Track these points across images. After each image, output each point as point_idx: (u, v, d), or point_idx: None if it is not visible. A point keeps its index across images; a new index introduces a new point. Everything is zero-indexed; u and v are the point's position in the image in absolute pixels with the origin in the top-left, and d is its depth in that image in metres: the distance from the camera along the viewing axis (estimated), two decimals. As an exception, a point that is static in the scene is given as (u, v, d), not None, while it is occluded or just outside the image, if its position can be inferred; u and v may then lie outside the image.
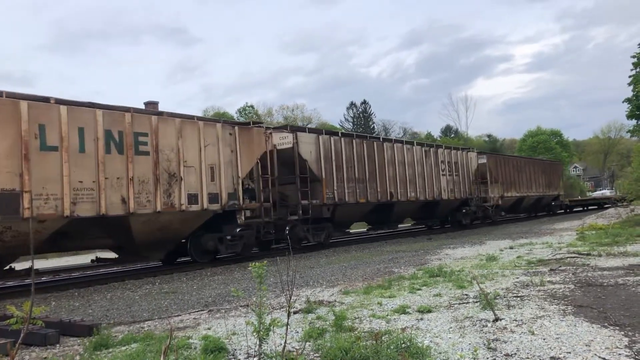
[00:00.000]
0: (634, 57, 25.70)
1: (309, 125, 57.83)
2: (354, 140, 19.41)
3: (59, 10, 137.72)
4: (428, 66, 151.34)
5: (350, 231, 22.37)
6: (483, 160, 27.78)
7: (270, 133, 16.41)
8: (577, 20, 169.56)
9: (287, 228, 16.40)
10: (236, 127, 14.88)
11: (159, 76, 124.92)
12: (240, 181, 14.65)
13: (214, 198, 13.83)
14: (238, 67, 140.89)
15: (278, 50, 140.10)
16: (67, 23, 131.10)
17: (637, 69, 25.68)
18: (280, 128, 18.31)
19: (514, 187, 30.83)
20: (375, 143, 20.38)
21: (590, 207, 44.38)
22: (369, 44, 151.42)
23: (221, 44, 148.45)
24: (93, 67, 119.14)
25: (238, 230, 14.74)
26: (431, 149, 23.56)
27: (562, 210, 39.85)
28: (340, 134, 19.78)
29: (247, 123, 15.80)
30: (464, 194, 25.59)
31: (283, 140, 16.82)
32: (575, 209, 43.00)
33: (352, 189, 18.73)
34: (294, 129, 17.80)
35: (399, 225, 24.84)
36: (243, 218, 14.73)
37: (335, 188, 17.99)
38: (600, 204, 45.62)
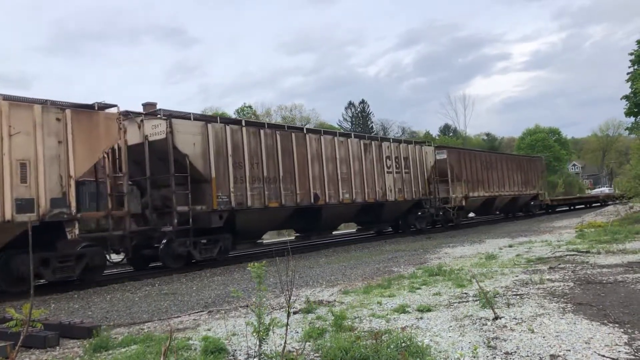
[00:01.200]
0: (631, 54, 25.73)
1: (308, 126, 57.79)
2: (262, 131, 15.70)
3: (57, 11, 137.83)
4: (426, 65, 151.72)
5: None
6: (443, 156, 24.62)
7: (142, 120, 13.61)
8: (575, 19, 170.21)
9: (163, 242, 13.58)
10: (67, 111, 11.16)
11: (157, 76, 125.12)
12: (72, 182, 11.06)
13: (26, 205, 10.32)
14: (236, 67, 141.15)
15: (276, 51, 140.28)
16: (65, 24, 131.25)
17: (635, 66, 25.72)
18: (151, 114, 14.34)
19: (482, 185, 27.17)
20: (294, 134, 16.81)
21: (577, 207, 42.19)
22: (367, 43, 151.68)
23: (219, 45, 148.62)
24: (91, 67, 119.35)
25: (79, 247, 11.71)
26: (373, 143, 20.30)
27: (543, 211, 36.40)
28: (244, 122, 15.97)
29: (91, 106, 11.87)
30: (418, 195, 22.29)
31: (155, 130, 13.55)
32: (559, 209, 40.09)
33: (259, 191, 15.14)
34: (168, 114, 13.86)
35: (334, 232, 21.35)
36: (77, 231, 11.13)
37: (232, 190, 14.30)
38: (589, 203, 43.46)
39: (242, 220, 15.00)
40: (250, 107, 67.98)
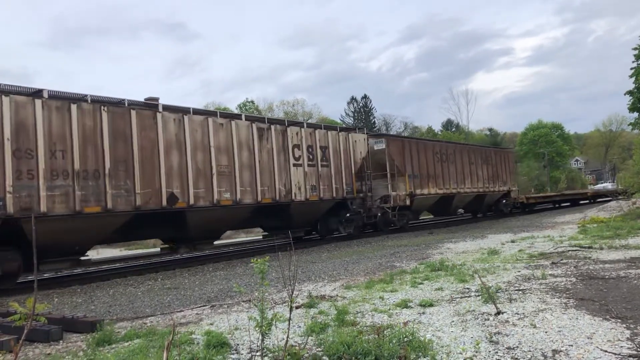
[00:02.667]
0: (635, 49, 25.58)
1: (309, 121, 57.75)
2: (73, 106, 11.46)
3: (57, 6, 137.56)
4: (428, 60, 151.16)
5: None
6: (380, 146, 21.10)
7: None
8: (577, 14, 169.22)
9: None
10: None
11: (158, 72, 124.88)
12: None
13: None
14: (237, 62, 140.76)
15: (277, 45, 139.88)
16: (65, 19, 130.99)
17: (639, 61, 25.59)
18: None
19: (436, 181, 23.54)
20: (134, 113, 12.49)
21: (562, 205, 39.04)
22: (368, 38, 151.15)
23: (220, 39, 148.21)
24: (92, 63, 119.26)
25: None
26: (273, 127, 16.06)
27: (518, 210, 32.76)
28: (45, 94, 11.43)
29: None
30: (341, 193, 18.35)
31: None
32: (537, 208, 36.00)
33: (65, 190, 11.10)
34: None
35: (216, 242, 16.36)
36: None
37: (9, 189, 10.35)
38: (576, 201, 40.69)
39: (39, 233, 10.46)
40: (252, 102, 67.96)
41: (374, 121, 76.45)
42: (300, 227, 18.06)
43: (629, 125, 34.57)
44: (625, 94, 26.46)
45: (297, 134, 17.00)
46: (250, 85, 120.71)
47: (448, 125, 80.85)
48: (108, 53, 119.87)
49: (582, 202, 41.53)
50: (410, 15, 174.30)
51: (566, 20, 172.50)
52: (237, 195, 14.64)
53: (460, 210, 30.02)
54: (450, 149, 25.71)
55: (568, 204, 40.00)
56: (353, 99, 77.70)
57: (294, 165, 16.69)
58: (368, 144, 20.26)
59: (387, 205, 20.68)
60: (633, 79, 25.63)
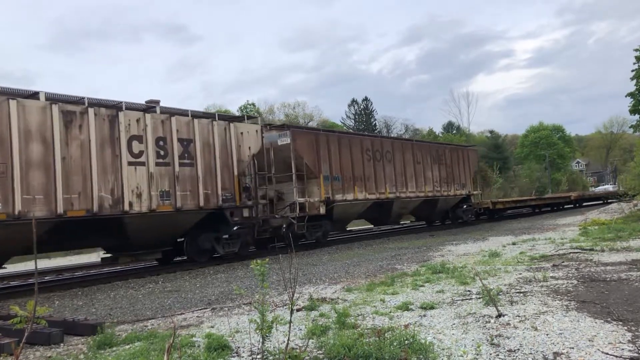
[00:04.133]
0: (636, 50, 25.62)
1: (310, 124, 57.77)
2: None
3: (58, 9, 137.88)
4: (428, 62, 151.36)
5: None
6: (285, 140, 17.03)
7: None
8: (578, 15, 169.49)
9: None
10: None
11: (159, 74, 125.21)
12: None
13: None
14: (238, 64, 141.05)
15: (278, 48, 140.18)
16: (66, 21, 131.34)
17: None
18: None
19: (365, 184, 19.47)
20: None
21: (543, 210, 35.21)
22: (369, 40, 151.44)
23: (221, 42, 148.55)
24: (93, 65, 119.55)
25: None
26: (93, 111, 11.71)
27: (485, 217, 28.80)
28: None
29: None
30: (214, 200, 13.93)
31: None
32: (510, 214, 31.91)
33: None
34: None
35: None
36: None
37: None
38: (557, 205, 36.69)
39: None
40: (253, 104, 68.03)
41: (375, 123, 76.52)
42: (146, 247, 13.10)
43: (630, 127, 34.45)
44: (626, 96, 26.55)
45: (137, 121, 12.53)
46: (251, 88, 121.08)
47: (449, 127, 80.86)
48: (109, 55, 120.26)
49: (566, 206, 37.76)
50: (411, 17, 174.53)
51: (567, 22, 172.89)
52: (15, 206, 10.21)
53: (412, 218, 26.91)
54: (387, 145, 21.28)
55: (548, 209, 36.00)
56: (354, 101, 77.79)
57: (131, 163, 12.29)
58: (263, 138, 15.88)
59: (293, 215, 16.72)
60: (634, 81, 25.65)
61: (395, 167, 21.34)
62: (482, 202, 28.18)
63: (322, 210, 17.63)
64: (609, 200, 42.61)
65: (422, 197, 22.83)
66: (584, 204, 41.18)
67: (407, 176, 22.00)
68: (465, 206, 26.22)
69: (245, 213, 15.11)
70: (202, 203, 13.66)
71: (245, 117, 16.47)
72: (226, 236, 14.50)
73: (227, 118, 15.83)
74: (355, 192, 19.20)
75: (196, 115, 14.43)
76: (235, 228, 14.65)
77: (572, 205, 38.63)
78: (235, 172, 14.72)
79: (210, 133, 14.19)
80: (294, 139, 17.15)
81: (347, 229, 23.65)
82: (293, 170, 17.03)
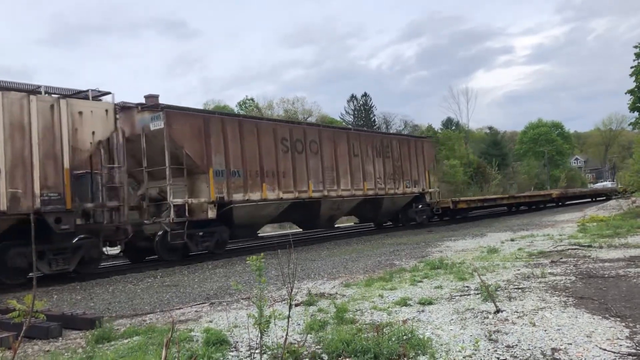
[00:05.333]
0: (636, 47, 25.57)
1: (309, 119, 57.71)
2: None
3: (57, 4, 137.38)
4: (428, 58, 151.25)
5: None
6: (158, 125, 13.47)
7: None
8: (577, 12, 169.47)
9: None
10: None
11: (158, 69, 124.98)
12: None
13: None
14: (237, 60, 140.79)
15: (277, 43, 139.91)
16: (66, 16, 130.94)
17: (639, 60, 25.56)
18: None
19: (279, 181, 16.01)
20: None
21: (521, 210, 32.00)
22: (368, 36, 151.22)
23: (220, 37, 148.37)
24: (92, 60, 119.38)
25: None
26: None
27: (437, 219, 25.57)
28: None
29: None
30: (29, 203, 10.37)
31: None
32: (475, 215, 28.61)
33: None
34: None
35: None
36: None
37: None
38: (535, 204, 33.09)
39: None
40: (252, 99, 67.90)
41: (374, 119, 76.41)
42: None
43: (629, 124, 34.31)
44: (625, 93, 26.53)
45: None
46: (250, 83, 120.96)
47: (448, 123, 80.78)
48: (108, 50, 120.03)
49: (549, 205, 34.49)
50: (411, 13, 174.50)
51: (566, 18, 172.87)
52: None
53: (355, 219, 23.90)
54: (311, 134, 17.67)
55: (525, 208, 32.83)
56: (353, 97, 77.58)
57: None
58: (116, 120, 12.29)
59: (163, 220, 13.34)
60: (633, 78, 25.63)
61: (323, 160, 17.75)
62: (441, 201, 24.68)
63: (212, 214, 13.97)
64: (598, 199, 41.14)
65: (360, 196, 19.30)
66: (568, 202, 37.86)
67: (340, 171, 18.46)
68: (420, 206, 22.85)
69: (83, 219, 11.67)
70: (3, 207, 10.10)
71: (90, 91, 12.13)
72: (51, 252, 10.97)
73: (60, 92, 11.88)
74: (264, 191, 15.51)
75: (2, 87, 10.77)
76: (76, 239, 11.40)
77: (554, 204, 35.25)
78: (67, 165, 11.02)
79: (24, 111, 10.50)
80: (169, 123, 13.45)
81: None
82: (167, 163, 13.33)
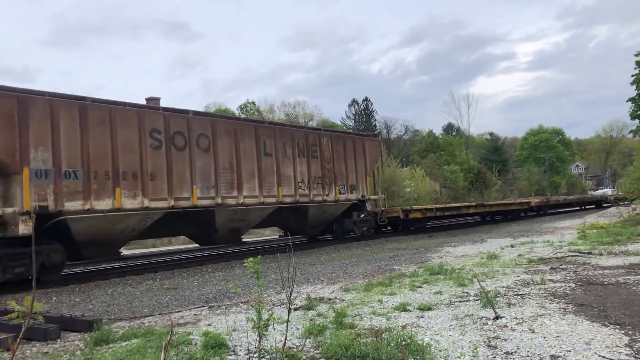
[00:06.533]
0: (637, 55, 25.63)
1: (310, 123, 57.75)
2: None
3: (58, 4, 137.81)
4: (429, 63, 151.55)
5: None
6: None
7: None
8: (579, 19, 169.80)
9: None
10: None
11: (159, 71, 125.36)
12: None
13: None
14: (238, 62, 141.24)
15: (278, 46, 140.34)
16: (66, 17, 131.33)
17: (640, 68, 25.61)
18: None
19: (143, 185, 12.60)
20: None
21: (495, 219, 29.09)
22: (369, 40, 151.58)
23: (221, 40, 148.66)
24: (93, 61, 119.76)
25: None
26: None
27: (388, 229, 22.50)
28: None
29: None
30: None
31: None
32: (433, 225, 25.44)
33: None
34: None
35: None
36: None
37: None
38: (513, 213, 29.95)
39: None
40: (253, 103, 68.03)
41: (375, 124, 76.49)
42: None
43: (630, 132, 34.09)
44: (627, 101, 26.58)
45: None
46: (251, 86, 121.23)
47: (449, 128, 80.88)
48: (109, 52, 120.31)
49: (507, 215, 30.38)
50: (412, 18, 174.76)
51: (568, 25, 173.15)
52: None
53: (279, 232, 20.35)
54: (199, 126, 14.02)
55: (499, 217, 29.73)
56: (354, 101, 77.78)
57: None
58: None
59: None
60: (634, 86, 25.67)
61: (217, 159, 14.33)
62: (389, 209, 21.52)
63: (25, 229, 10.47)
64: (587, 207, 39.32)
65: (273, 204, 15.93)
66: (550, 211, 34.63)
67: (244, 174, 15.04)
68: (363, 215, 19.65)
69: None
70: None
71: None
72: None
73: None
74: (118, 198, 12.07)
75: None
76: None
77: (534, 214, 32.22)
78: None
79: None
80: None
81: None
82: None
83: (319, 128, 22.36)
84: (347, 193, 18.92)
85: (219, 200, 14.33)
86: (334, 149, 18.58)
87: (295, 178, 16.78)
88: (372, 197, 20.31)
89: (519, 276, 8.59)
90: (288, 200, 16.49)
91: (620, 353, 4.33)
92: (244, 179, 15.10)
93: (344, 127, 70.89)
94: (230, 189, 14.67)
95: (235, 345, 5.12)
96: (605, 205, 38.54)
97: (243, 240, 15.63)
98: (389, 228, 22.68)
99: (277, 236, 20.41)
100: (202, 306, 7.77)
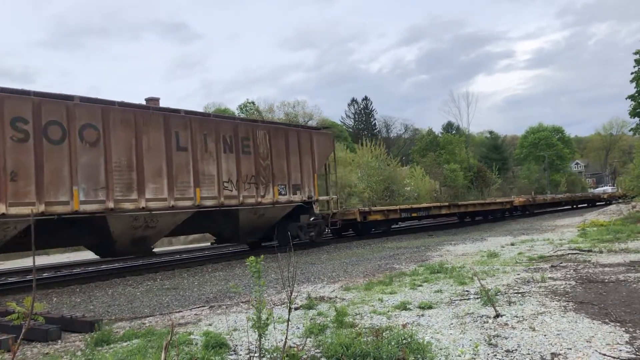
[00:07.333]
0: (636, 53, 25.61)
1: (310, 122, 57.72)
2: None
3: (58, 6, 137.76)
4: (429, 63, 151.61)
5: None
6: None
7: None
8: (578, 17, 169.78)
9: None
10: None
11: (159, 72, 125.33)
12: None
13: None
14: (238, 63, 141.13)
15: (278, 47, 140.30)
16: (66, 18, 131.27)
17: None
18: None
19: (6, 187, 10.17)
20: None
21: (469, 220, 26.84)
22: (369, 40, 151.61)
23: (221, 40, 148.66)
24: (93, 62, 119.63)
25: None
26: None
27: (331, 235, 20.27)
28: None
29: None
30: None
31: None
32: (400, 229, 23.57)
33: None
34: None
35: None
36: None
37: None
38: (494, 214, 27.70)
39: None
40: (253, 103, 67.99)
41: (375, 123, 76.52)
42: None
43: (629, 130, 33.95)
44: (626, 99, 26.55)
45: None
46: (250, 87, 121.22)
47: (448, 127, 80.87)
48: (109, 53, 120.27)
49: (515, 214, 28.81)
50: (411, 17, 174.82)
51: (567, 23, 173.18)
52: None
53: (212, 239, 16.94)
54: (84, 115, 11.60)
55: (480, 218, 27.39)
56: (354, 101, 77.83)
57: None
58: None
59: None
60: (634, 84, 25.67)
61: (109, 155, 11.83)
62: (344, 211, 19.45)
63: None
64: (579, 206, 38.02)
65: (189, 209, 13.44)
66: (539, 211, 32.09)
67: (147, 172, 12.49)
68: (312, 218, 17.29)
69: None
70: None
71: None
72: None
73: None
74: None
75: None
76: None
77: (519, 214, 30.15)
78: None
79: None
80: None
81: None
82: None
83: (254, 119, 18.16)
84: (289, 194, 16.41)
85: (111, 205, 11.73)
86: (273, 143, 15.99)
87: (219, 177, 14.23)
88: (321, 198, 17.95)
89: (519, 274, 8.59)
90: (209, 203, 13.91)
91: (620, 350, 4.33)
92: (148, 178, 12.49)
93: (344, 126, 70.86)
94: (128, 191, 12.11)
95: (236, 345, 5.12)
96: (598, 203, 37.94)
97: (155, 250, 13.62)
98: (350, 232, 20.84)
99: (210, 244, 18.19)
100: (203, 306, 7.77)
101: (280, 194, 16.08)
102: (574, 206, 38.37)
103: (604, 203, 35.89)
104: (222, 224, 15.30)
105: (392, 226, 22.23)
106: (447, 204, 24.59)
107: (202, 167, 13.78)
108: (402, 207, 22.01)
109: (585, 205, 39.34)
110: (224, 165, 14.40)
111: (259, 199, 15.35)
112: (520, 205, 29.42)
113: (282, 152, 16.35)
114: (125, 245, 12.75)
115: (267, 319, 4.16)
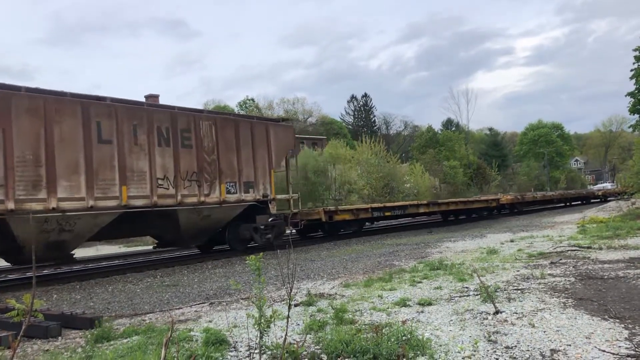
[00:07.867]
0: (636, 50, 25.58)
1: (310, 120, 57.67)
2: None
3: (56, 3, 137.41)
4: (428, 59, 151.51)
5: None
6: None
7: None
8: (578, 14, 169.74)
9: None
10: None
11: (158, 69, 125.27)
12: None
13: None
14: (237, 60, 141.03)
15: (277, 44, 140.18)
16: (65, 16, 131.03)
17: (639, 63, 25.56)
18: None
19: None
20: None
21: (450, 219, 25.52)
22: (368, 37, 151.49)
23: (220, 37, 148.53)
24: (92, 60, 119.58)
25: None
26: None
27: (298, 236, 18.86)
28: None
29: None
30: None
31: None
32: (372, 229, 22.09)
33: None
34: None
35: None
36: None
37: None
38: (479, 212, 26.46)
39: None
40: (252, 99, 67.97)
41: (374, 120, 76.49)
42: None
43: (629, 127, 33.87)
44: (626, 96, 26.53)
45: None
46: (250, 84, 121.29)
47: (448, 124, 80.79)
48: (108, 50, 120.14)
49: (503, 212, 27.36)
50: (411, 14, 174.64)
51: (566, 20, 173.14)
52: None
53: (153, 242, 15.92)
54: None
55: (463, 217, 25.89)
56: (353, 98, 77.84)
57: None
58: None
59: None
60: (634, 80, 25.64)
61: (9, 148, 10.22)
62: (310, 210, 18.19)
63: None
64: (572, 204, 36.95)
65: (114, 209, 11.82)
66: (528, 209, 30.48)
67: (60, 167, 10.91)
68: (270, 219, 15.67)
69: None
70: None
71: None
72: None
73: None
74: None
75: None
76: None
77: (507, 212, 28.72)
78: None
79: None
80: None
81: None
82: None
83: (197, 109, 15.51)
84: (240, 192, 14.70)
85: (11, 206, 10.11)
86: (220, 135, 14.28)
87: (152, 174, 12.55)
88: (279, 196, 16.35)
89: (518, 271, 8.60)
90: (139, 203, 12.26)
91: (620, 347, 4.34)
92: (61, 175, 10.90)
93: (343, 124, 70.84)
94: (34, 190, 10.51)
95: (236, 342, 5.12)
96: (593, 201, 37.45)
97: (75, 256, 12.46)
98: (319, 232, 19.48)
99: (152, 247, 16.71)
100: (203, 303, 7.77)
101: (228, 192, 14.37)
102: (567, 204, 37.22)
103: (599, 200, 35.55)
104: (160, 227, 13.63)
105: (363, 227, 20.97)
106: (426, 202, 23.30)
107: (130, 162, 12.15)
108: (374, 205, 20.67)
109: (579, 202, 38.32)
110: (158, 160, 12.72)
111: (203, 198, 13.66)
112: (508, 204, 28.10)
113: (232, 145, 14.60)
114: (38, 251, 10.78)
115: (271, 316, 4.16)
